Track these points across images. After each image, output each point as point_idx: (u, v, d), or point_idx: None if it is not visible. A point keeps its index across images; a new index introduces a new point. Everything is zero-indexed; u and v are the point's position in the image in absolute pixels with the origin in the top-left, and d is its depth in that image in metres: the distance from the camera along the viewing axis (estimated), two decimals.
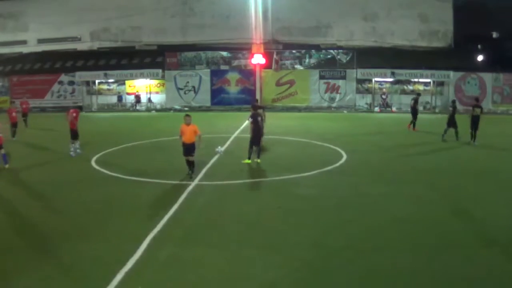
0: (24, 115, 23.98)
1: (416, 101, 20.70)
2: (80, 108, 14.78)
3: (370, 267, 5.88)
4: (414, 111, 20.26)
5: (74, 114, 14.19)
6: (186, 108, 32.82)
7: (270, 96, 32.47)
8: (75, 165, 12.73)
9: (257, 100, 13.39)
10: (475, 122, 15.92)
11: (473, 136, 15.98)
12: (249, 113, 13.02)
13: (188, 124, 10.61)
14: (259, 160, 12.39)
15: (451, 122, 16.72)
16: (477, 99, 17.64)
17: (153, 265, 5.92)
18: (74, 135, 13.99)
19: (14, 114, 18.33)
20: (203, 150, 13.91)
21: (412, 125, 20.04)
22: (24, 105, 24.36)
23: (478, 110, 16.06)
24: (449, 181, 10.66)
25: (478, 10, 30.60)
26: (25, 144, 16.82)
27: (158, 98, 34.32)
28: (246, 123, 14.88)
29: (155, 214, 7.91)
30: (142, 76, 33.54)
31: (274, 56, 32.59)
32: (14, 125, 18.08)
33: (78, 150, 14.11)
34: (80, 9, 34.66)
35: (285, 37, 34.44)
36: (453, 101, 18.72)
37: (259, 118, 12.32)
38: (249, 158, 12.46)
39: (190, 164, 10.74)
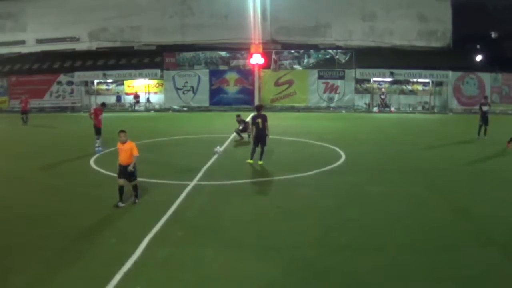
0: (24, 112, 23.98)
1: (482, 105, 17.59)
2: (104, 105, 16.44)
3: (370, 267, 5.87)
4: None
5: (98, 112, 15.29)
6: (185, 108, 32.86)
7: (269, 96, 32.50)
8: (74, 165, 12.70)
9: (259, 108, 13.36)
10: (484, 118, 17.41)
11: (484, 131, 17.38)
12: (252, 114, 13.04)
13: (123, 142, 8.70)
14: (260, 162, 12.31)
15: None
16: (485, 97, 19.28)
17: (152, 265, 5.90)
18: (96, 131, 14.86)
19: None
20: (203, 150, 13.92)
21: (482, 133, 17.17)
22: (23, 103, 24.36)
23: (485, 108, 17.67)
24: (449, 181, 10.66)
25: (477, 10, 30.66)
26: (23, 143, 16.78)
27: (156, 98, 34.34)
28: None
29: (155, 214, 7.88)
30: (140, 76, 33.57)
31: (273, 56, 32.61)
32: None
33: (99, 147, 14.62)
34: (78, 9, 34.66)
35: (283, 37, 34.48)
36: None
37: (259, 120, 12.28)
38: (251, 158, 12.44)
39: (134, 189, 8.88)
